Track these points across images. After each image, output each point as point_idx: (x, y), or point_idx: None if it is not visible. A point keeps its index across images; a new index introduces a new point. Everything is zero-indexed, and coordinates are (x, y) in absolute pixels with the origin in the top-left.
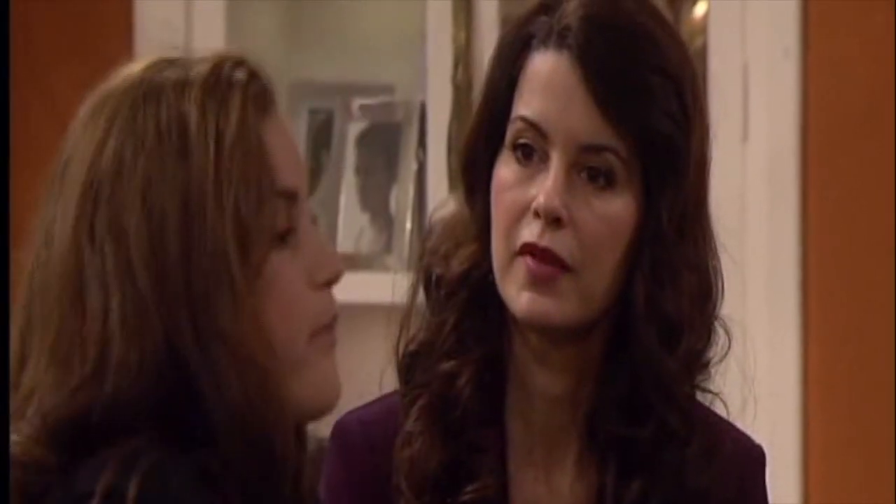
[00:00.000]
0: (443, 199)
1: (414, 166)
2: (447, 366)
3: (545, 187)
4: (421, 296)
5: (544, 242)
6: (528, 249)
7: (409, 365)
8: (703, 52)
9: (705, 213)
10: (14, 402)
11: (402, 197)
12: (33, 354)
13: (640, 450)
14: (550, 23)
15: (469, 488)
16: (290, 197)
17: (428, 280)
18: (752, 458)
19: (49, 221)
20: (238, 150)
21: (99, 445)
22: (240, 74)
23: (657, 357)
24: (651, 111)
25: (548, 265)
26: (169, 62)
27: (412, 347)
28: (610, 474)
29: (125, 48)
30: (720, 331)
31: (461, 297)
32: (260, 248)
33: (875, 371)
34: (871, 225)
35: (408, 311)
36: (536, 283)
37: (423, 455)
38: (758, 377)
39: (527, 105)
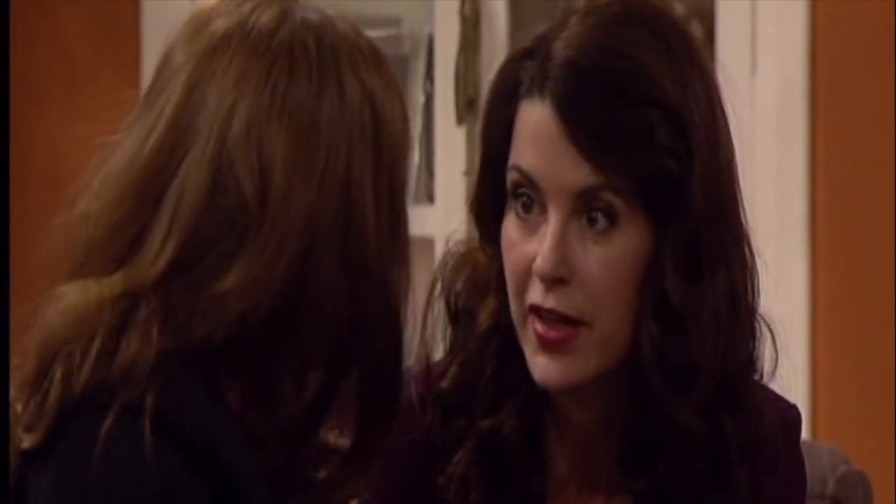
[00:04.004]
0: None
1: (421, 99)
2: (486, 423)
3: (542, 248)
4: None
5: (549, 304)
6: (535, 311)
7: (446, 407)
8: None
9: (731, 247)
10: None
11: None
12: (167, 241)
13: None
14: (536, 67)
15: None
16: None
17: (454, 315)
18: (790, 426)
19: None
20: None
21: None
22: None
23: (669, 403)
24: (643, 148)
25: (558, 327)
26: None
27: (446, 385)
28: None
29: None
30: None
31: (492, 349)
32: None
33: (882, 302)
34: (879, 157)
35: (422, 340)
36: (548, 347)
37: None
38: (766, 310)
39: (518, 156)
